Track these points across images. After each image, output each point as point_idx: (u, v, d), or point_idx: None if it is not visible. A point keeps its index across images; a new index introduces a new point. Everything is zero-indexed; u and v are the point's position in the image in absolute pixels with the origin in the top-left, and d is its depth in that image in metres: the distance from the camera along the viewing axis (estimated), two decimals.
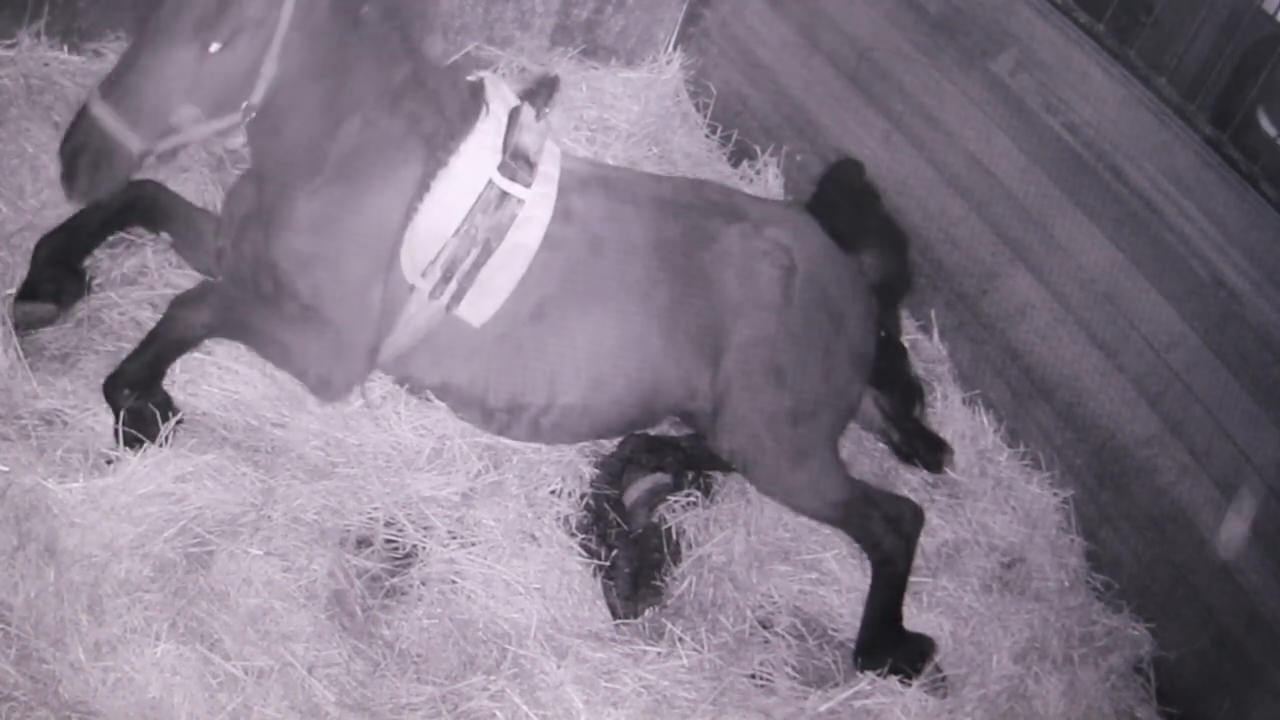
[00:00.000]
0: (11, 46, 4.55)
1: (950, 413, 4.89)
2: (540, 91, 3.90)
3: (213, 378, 3.91)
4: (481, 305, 3.79)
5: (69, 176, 3.38)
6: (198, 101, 3.38)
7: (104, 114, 3.31)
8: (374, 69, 3.63)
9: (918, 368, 4.85)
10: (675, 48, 6.01)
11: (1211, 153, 4.35)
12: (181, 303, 3.65)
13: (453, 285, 3.72)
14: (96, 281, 4.01)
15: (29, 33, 4.56)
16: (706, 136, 5.84)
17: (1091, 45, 4.67)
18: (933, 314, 5.12)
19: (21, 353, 3.70)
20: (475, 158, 3.73)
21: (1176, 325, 4.40)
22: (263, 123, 3.54)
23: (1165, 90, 4.49)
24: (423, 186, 3.69)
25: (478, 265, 3.73)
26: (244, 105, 3.46)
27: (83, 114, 3.34)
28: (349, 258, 3.72)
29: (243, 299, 3.75)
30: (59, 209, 4.13)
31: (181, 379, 3.85)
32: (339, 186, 3.67)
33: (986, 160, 4.93)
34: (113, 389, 3.57)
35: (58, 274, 3.80)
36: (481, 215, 3.71)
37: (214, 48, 3.31)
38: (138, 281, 4.10)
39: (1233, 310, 4.27)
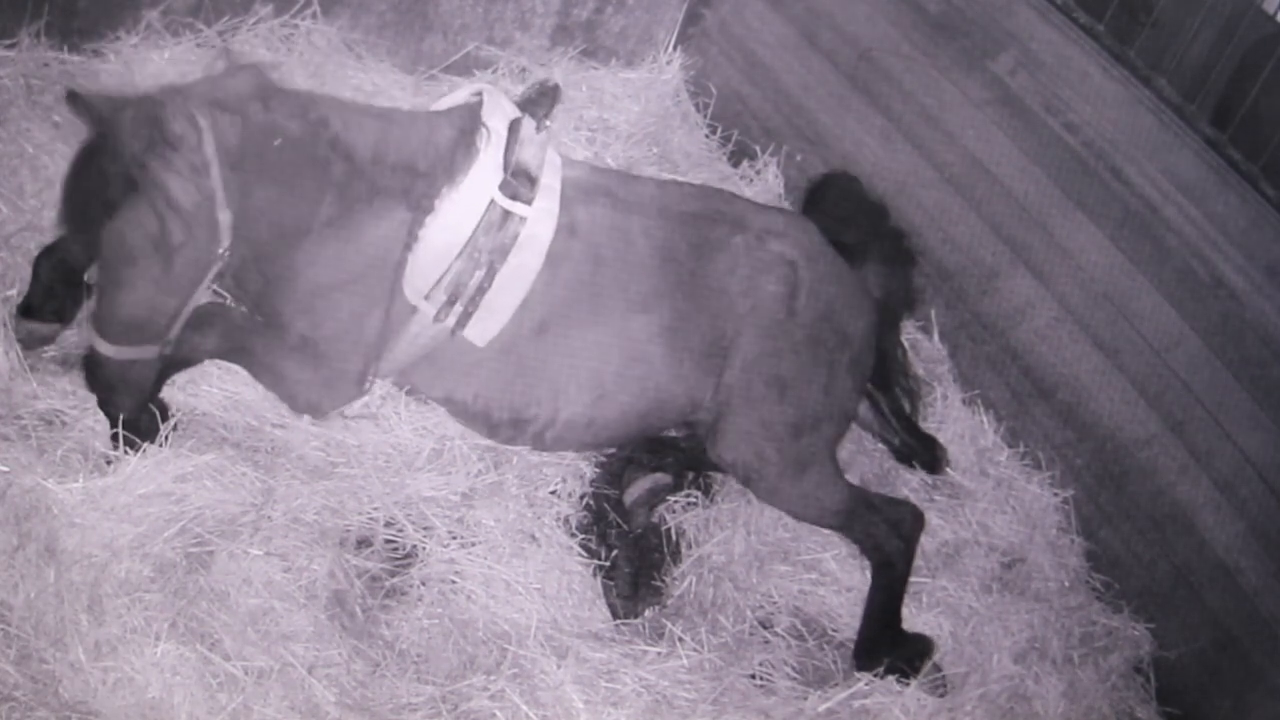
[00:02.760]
0: (11, 46, 4.54)
1: (950, 413, 4.89)
2: (541, 101, 3.88)
3: (213, 378, 3.92)
4: (486, 326, 3.77)
5: (122, 413, 3.49)
6: (183, 284, 3.39)
7: (116, 351, 3.35)
8: (309, 179, 3.57)
9: (917, 368, 4.85)
10: (675, 48, 6.01)
11: (1211, 153, 4.35)
12: (187, 324, 3.65)
13: (458, 309, 3.71)
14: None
15: (29, 33, 4.56)
16: (706, 136, 5.84)
17: (1091, 45, 4.67)
18: (933, 314, 5.12)
19: (21, 354, 3.70)
20: (476, 180, 3.70)
21: (1176, 325, 4.40)
22: (243, 231, 3.53)
23: (1165, 90, 4.49)
24: (411, 237, 3.66)
25: (483, 289, 3.70)
26: (220, 253, 3.44)
27: (96, 360, 3.37)
28: (342, 301, 3.70)
29: (244, 326, 3.74)
30: (59, 209, 4.14)
31: (181, 379, 3.85)
32: (327, 241, 3.63)
33: (986, 160, 4.93)
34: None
35: (59, 290, 3.80)
36: (484, 237, 3.68)
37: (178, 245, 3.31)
38: None
39: (1233, 310, 4.27)
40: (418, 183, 3.66)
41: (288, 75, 4.50)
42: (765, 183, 5.60)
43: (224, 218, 3.38)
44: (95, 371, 3.44)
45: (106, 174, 3.23)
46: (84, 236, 3.34)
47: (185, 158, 3.28)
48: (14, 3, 4.52)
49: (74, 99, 3.28)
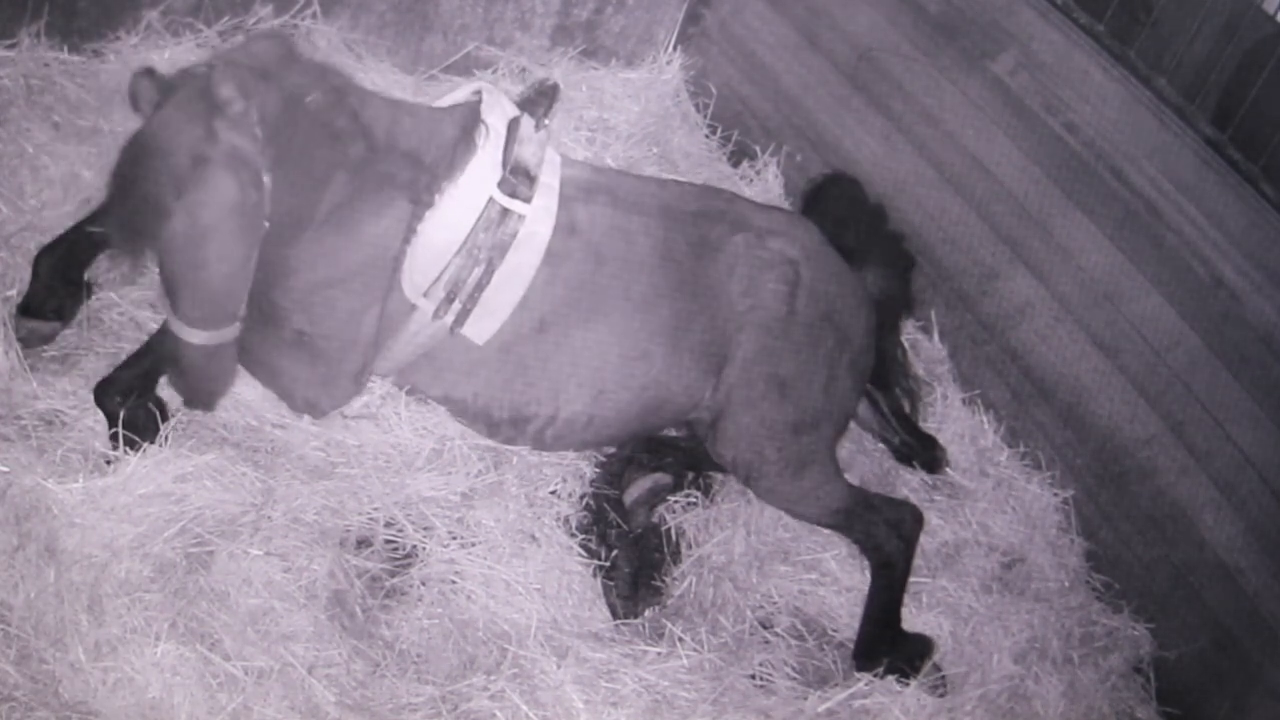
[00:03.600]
0: (11, 46, 4.54)
1: (950, 413, 4.89)
2: (540, 100, 3.88)
3: None
4: (485, 324, 3.77)
5: (205, 403, 3.44)
6: (251, 251, 3.31)
7: (209, 337, 3.27)
8: (327, 152, 3.51)
9: (917, 367, 4.85)
10: (675, 48, 6.01)
11: (1211, 153, 4.35)
12: None
13: (456, 306, 3.70)
14: (96, 282, 4.01)
15: (29, 33, 4.56)
16: (706, 137, 5.84)
17: (1091, 45, 4.67)
18: (933, 314, 5.12)
19: (21, 354, 3.70)
20: (475, 178, 3.70)
21: (1176, 325, 4.40)
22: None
23: (1165, 90, 4.49)
24: (410, 230, 3.64)
25: (481, 286, 3.70)
26: (265, 221, 3.36)
27: (187, 354, 3.28)
28: (340, 295, 3.67)
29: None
30: (59, 209, 4.15)
31: None
32: (328, 232, 3.60)
33: (986, 160, 4.93)
34: (104, 395, 3.57)
35: (60, 289, 3.79)
36: (483, 234, 3.68)
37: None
38: (137, 282, 4.10)
39: (1233, 310, 4.27)
40: (421, 175, 3.66)
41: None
42: (765, 183, 5.60)
43: (268, 180, 3.32)
44: (188, 366, 3.32)
45: (174, 151, 3.16)
46: (144, 225, 3.21)
47: (243, 120, 3.22)
48: (14, 3, 4.52)
49: (145, 76, 3.23)
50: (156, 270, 3.32)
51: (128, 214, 3.23)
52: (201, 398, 3.44)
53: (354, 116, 3.54)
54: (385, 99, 3.85)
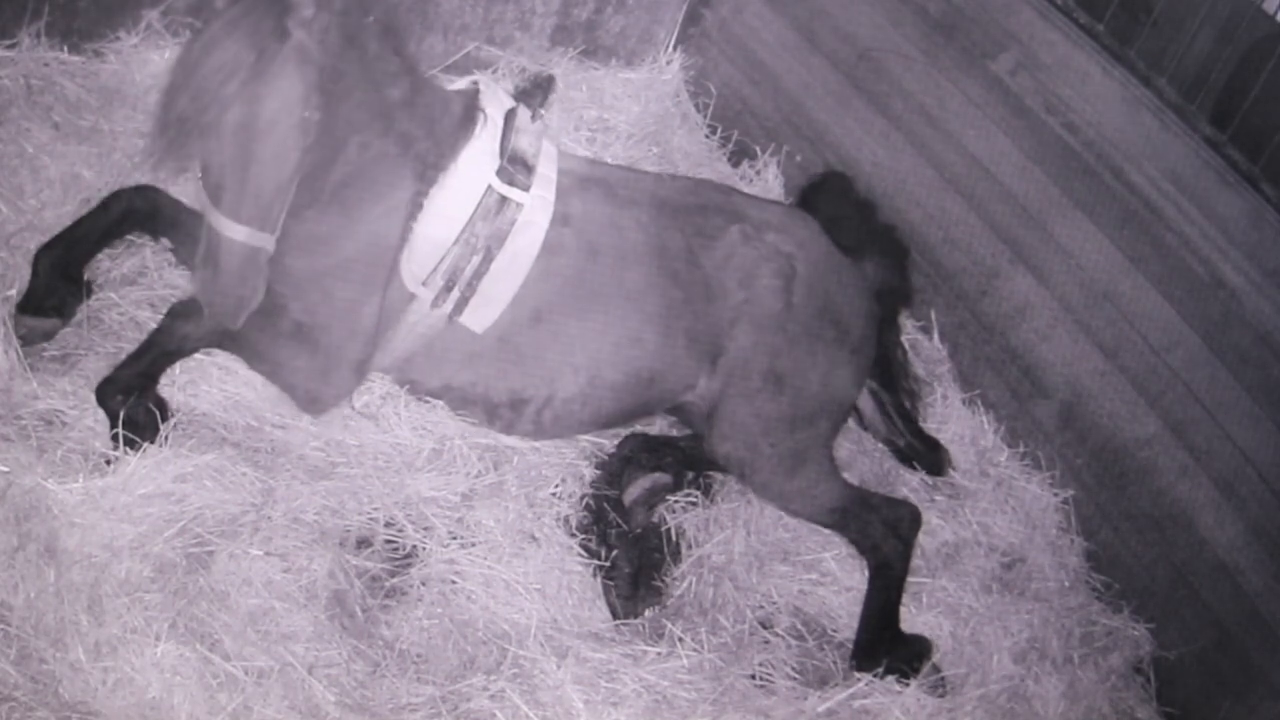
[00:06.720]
0: (11, 46, 4.54)
1: (950, 413, 4.89)
2: (535, 92, 3.89)
3: (213, 378, 3.92)
4: (483, 312, 3.78)
5: (224, 309, 3.31)
6: (298, 159, 3.27)
7: (248, 235, 3.22)
8: (362, 95, 3.49)
9: (918, 368, 4.85)
10: (675, 48, 6.01)
11: (1211, 153, 4.35)
12: (178, 314, 3.63)
13: (455, 294, 3.71)
14: (96, 282, 4.01)
15: (29, 33, 4.56)
16: (706, 137, 5.84)
17: (1091, 45, 4.67)
18: (933, 314, 5.12)
19: (21, 353, 3.70)
20: (473, 164, 3.71)
21: (1176, 325, 4.40)
22: None
23: (1165, 90, 4.49)
24: (415, 207, 3.65)
25: (480, 274, 3.71)
26: (303, 149, 3.33)
27: (223, 248, 3.22)
28: (342, 281, 3.67)
29: None
30: (59, 209, 4.15)
31: (181, 379, 3.85)
32: (332, 212, 3.60)
33: (986, 160, 4.93)
34: (105, 394, 3.57)
35: (59, 286, 3.79)
36: (482, 222, 3.69)
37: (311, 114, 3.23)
38: (137, 282, 4.10)
39: (1233, 310, 4.27)
40: (432, 148, 3.66)
41: None
42: (765, 183, 5.60)
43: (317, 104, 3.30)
44: (224, 267, 3.23)
45: (244, 42, 3.14)
46: (203, 113, 3.17)
47: (312, 25, 3.20)
48: (14, 3, 4.52)
49: None
50: (199, 170, 3.30)
51: (188, 101, 3.19)
52: (229, 306, 3.32)
53: (403, 55, 3.54)
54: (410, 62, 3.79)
